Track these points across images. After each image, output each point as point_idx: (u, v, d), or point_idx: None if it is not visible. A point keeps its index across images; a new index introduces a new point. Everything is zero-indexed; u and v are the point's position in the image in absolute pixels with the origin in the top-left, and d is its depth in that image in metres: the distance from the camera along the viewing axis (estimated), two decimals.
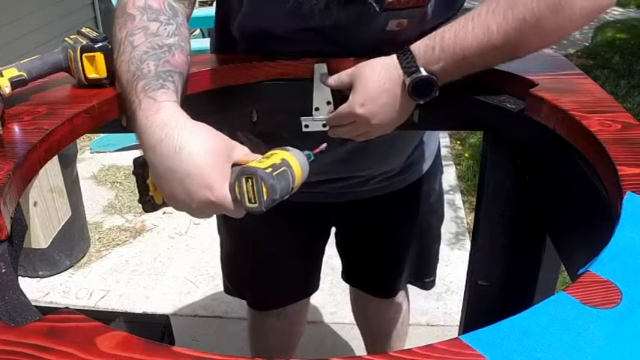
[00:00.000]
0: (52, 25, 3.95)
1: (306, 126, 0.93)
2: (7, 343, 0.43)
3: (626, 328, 0.42)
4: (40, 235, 0.87)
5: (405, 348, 0.42)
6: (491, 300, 1.11)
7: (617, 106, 0.76)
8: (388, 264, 1.33)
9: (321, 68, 0.91)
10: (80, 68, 0.85)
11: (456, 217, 2.66)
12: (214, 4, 1.06)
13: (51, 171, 0.91)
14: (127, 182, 3.01)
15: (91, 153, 3.33)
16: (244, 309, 1.57)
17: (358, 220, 1.27)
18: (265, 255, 1.29)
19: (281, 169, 0.67)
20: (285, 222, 1.15)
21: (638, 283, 0.46)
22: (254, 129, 1.00)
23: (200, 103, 0.86)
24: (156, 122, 0.66)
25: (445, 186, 2.88)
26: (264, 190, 0.64)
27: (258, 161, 0.67)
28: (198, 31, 4.28)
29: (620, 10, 6.41)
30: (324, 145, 0.79)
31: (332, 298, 2.14)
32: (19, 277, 0.55)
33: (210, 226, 2.58)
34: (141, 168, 0.70)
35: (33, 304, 0.49)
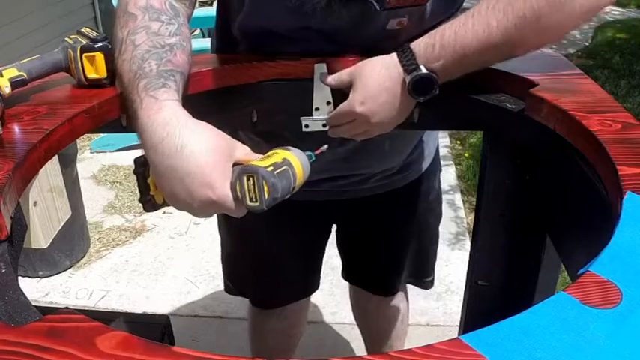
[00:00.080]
0: (52, 25, 3.95)
1: (306, 126, 0.93)
2: (7, 343, 0.43)
3: (626, 328, 0.42)
4: (40, 235, 0.87)
5: (405, 348, 0.42)
6: (491, 300, 1.11)
7: (617, 106, 0.76)
8: (388, 262, 1.34)
9: (320, 68, 0.91)
10: (80, 68, 0.85)
11: (456, 217, 2.66)
12: (214, 4, 1.06)
13: (51, 171, 0.91)
14: (127, 182, 3.01)
15: (91, 153, 3.33)
16: (244, 309, 1.58)
17: (359, 218, 1.27)
18: (266, 254, 1.29)
19: (282, 168, 0.67)
20: (287, 221, 1.15)
21: (638, 283, 0.46)
22: (254, 129, 1.00)
23: (200, 103, 0.86)
24: (157, 121, 0.66)
25: (445, 186, 2.89)
26: (266, 188, 0.64)
27: (259, 160, 0.68)
28: (198, 31, 4.28)
29: (620, 10, 6.41)
30: (325, 146, 0.79)
31: (332, 298, 2.14)
32: (19, 277, 0.55)
33: (210, 226, 2.58)
34: (142, 167, 0.70)
35: (33, 304, 0.49)
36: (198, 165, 0.63)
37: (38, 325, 0.45)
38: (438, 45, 0.78)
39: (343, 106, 0.85)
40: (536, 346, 0.41)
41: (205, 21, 3.52)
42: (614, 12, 6.22)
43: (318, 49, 0.93)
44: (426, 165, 1.21)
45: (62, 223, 0.95)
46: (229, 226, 1.30)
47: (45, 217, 0.88)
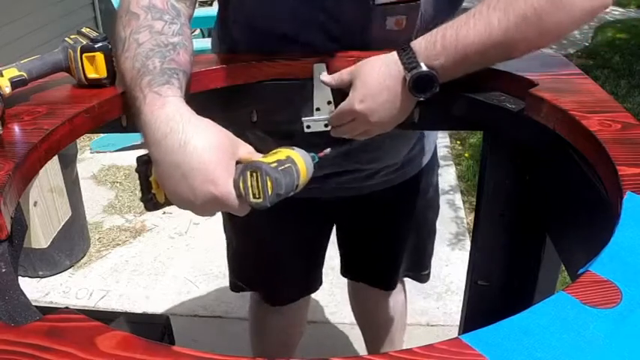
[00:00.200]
0: (52, 25, 3.95)
1: (308, 127, 0.93)
2: (7, 342, 0.43)
3: (625, 327, 0.42)
4: (40, 235, 0.86)
5: (405, 348, 0.42)
6: (491, 300, 1.11)
7: (617, 106, 0.76)
8: (388, 257, 1.35)
9: (320, 68, 0.91)
10: (80, 68, 0.85)
11: (456, 217, 2.66)
12: (214, 3, 1.06)
13: (51, 171, 0.91)
14: (127, 182, 3.01)
15: (91, 153, 3.33)
16: (244, 309, 1.58)
17: (360, 215, 1.28)
18: (270, 252, 1.29)
19: (286, 165, 0.67)
20: (290, 219, 1.16)
21: (638, 283, 0.46)
22: (254, 129, 1.00)
23: (200, 103, 0.86)
24: (161, 117, 0.66)
25: (445, 186, 2.89)
26: (269, 184, 0.64)
27: (262, 157, 0.68)
28: (198, 31, 4.28)
29: (620, 10, 6.41)
30: (328, 149, 0.80)
31: (332, 298, 2.14)
32: (19, 277, 0.56)
33: (210, 226, 2.59)
34: (144, 165, 0.70)
35: (33, 304, 0.49)
36: (202, 161, 0.63)
37: (38, 324, 0.45)
38: (439, 44, 0.79)
39: (343, 105, 0.86)
40: (537, 345, 0.41)
41: (205, 21, 3.52)
42: (614, 12, 6.22)
43: (321, 48, 0.93)
44: (425, 160, 1.22)
45: (62, 223, 0.94)
46: (234, 225, 1.30)
47: (45, 217, 0.88)
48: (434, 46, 0.79)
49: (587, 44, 5.22)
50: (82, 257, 2.44)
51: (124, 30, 0.77)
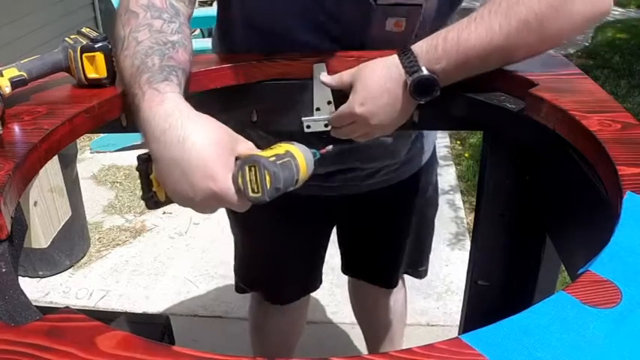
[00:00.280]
0: (52, 25, 3.95)
1: (308, 127, 0.93)
2: (8, 342, 0.43)
3: (625, 327, 0.42)
4: (40, 235, 0.86)
5: (405, 348, 0.42)
6: (491, 300, 1.11)
7: (617, 106, 0.76)
8: (387, 255, 1.35)
9: (320, 68, 0.91)
10: (80, 68, 0.85)
11: (456, 217, 2.66)
12: (214, 4, 1.06)
13: (51, 171, 0.91)
14: (127, 182, 3.01)
15: (91, 153, 3.33)
16: (244, 309, 1.58)
17: (360, 213, 1.28)
18: (273, 251, 1.30)
19: (285, 159, 0.67)
20: (292, 217, 1.17)
21: (637, 282, 0.46)
22: (254, 129, 1.00)
23: (200, 103, 0.86)
24: (159, 113, 0.66)
25: (445, 186, 2.89)
26: (268, 178, 0.64)
27: (261, 152, 0.68)
28: (198, 31, 4.28)
29: (620, 10, 6.41)
30: (331, 146, 0.80)
31: (332, 298, 2.14)
32: (19, 277, 0.55)
33: (210, 226, 2.59)
34: (144, 163, 0.70)
35: (33, 304, 0.49)
36: (200, 157, 0.63)
37: (38, 324, 0.45)
38: (441, 47, 0.79)
39: (343, 107, 0.86)
40: (536, 345, 0.41)
41: (205, 21, 3.52)
42: (614, 12, 6.22)
43: (319, 48, 0.93)
44: (424, 159, 1.22)
45: (62, 223, 0.94)
46: (238, 224, 1.31)
47: (45, 216, 0.88)
48: (435, 49, 0.79)
49: (587, 44, 5.23)
50: (82, 257, 2.44)
51: (124, 29, 0.77)
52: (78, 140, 0.90)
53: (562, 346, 0.41)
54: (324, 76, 0.90)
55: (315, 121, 0.93)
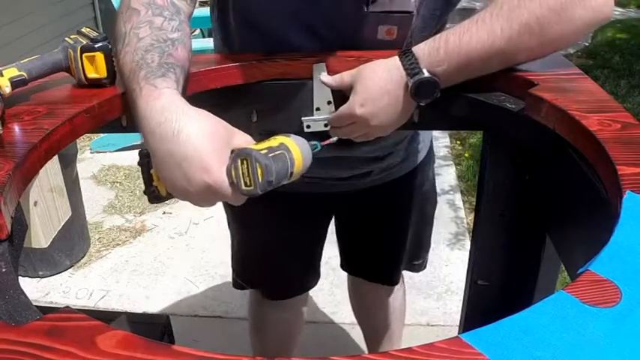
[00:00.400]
0: (52, 25, 3.95)
1: (308, 126, 0.93)
2: (8, 342, 0.43)
3: (625, 327, 0.42)
4: (41, 235, 0.86)
5: (405, 347, 0.42)
6: (491, 299, 1.11)
7: (617, 106, 0.76)
8: (386, 252, 1.36)
9: (320, 68, 0.91)
10: (80, 68, 0.85)
11: (456, 217, 2.66)
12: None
13: (51, 170, 0.91)
14: (127, 182, 3.01)
15: (91, 153, 3.33)
16: (244, 309, 1.58)
17: (358, 209, 1.29)
18: (271, 246, 1.31)
19: (278, 152, 0.67)
20: (290, 213, 1.19)
21: (637, 282, 0.46)
22: (254, 129, 1.00)
23: (200, 103, 0.86)
24: (156, 107, 0.67)
25: (445, 186, 2.89)
26: (259, 171, 0.64)
27: (254, 144, 0.68)
28: (198, 31, 4.28)
29: (620, 10, 6.41)
30: (334, 138, 0.79)
31: (332, 298, 2.14)
32: (19, 277, 0.55)
33: (210, 226, 2.59)
34: (145, 158, 0.71)
35: (33, 303, 0.49)
36: (195, 149, 0.63)
37: (39, 324, 0.45)
38: (442, 49, 0.79)
39: (343, 108, 0.86)
40: (536, 344, 0.41)
41: (205, 21, 3.51)
42: (614, 12, 6.21)
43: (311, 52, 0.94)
44: (421, 156, 1.23)
45: (62, 223, 0.94)
46: (235, 220, 1.32)
47: (45, 216, 0.88)
48: (437, 52, 0.79)
49: (587, 44, 5.22)
50: (82, 257, 2.44)
51: (125, 26, 0.78)
52: (78, 140, 0.90)
53: (562, 346, 0.41)
54: (324, 76, 0.90)
55: (315, 121, 0.93)
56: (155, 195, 0.73)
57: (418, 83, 0.79)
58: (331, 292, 2.15)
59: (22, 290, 0.50)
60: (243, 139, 0.68)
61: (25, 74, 0.81)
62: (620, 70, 4.45)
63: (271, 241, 1.29)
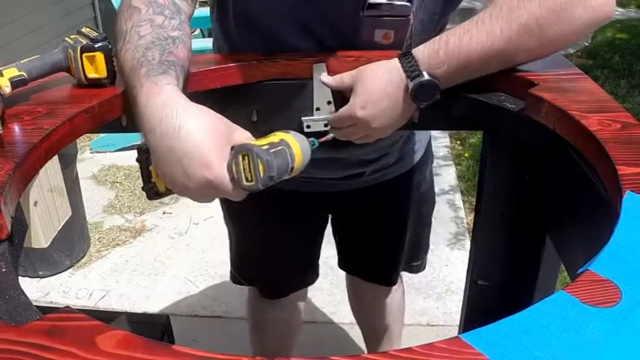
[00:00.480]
0: (52, 25, 3.95)
1: (308, 126, 0.93)
2: (8, 342, 0.43)
3: (625, 327, 0.42)
4: (41, 235, 0.86)
5: (405, 347, 0.42)
6: (491, 299, 1.11)
7: (617, 106, 0.76)
8: (382, 251, 1.36)
9: (320, 68, 0.91)
10: (80, 68, 0.85)
11: (456, 217, 2.66)
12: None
13: (51, 170, 0.91)
14: (127, 182, 3.01)
15: (91, 153, 3.33)
16: (244, 309, 1.58)
17: (354, 208, 1.30)
18: (267, 244, 1.31)
19: (279, 148, 0.67)
20: (286, 212, 1.19)
21: (637, 282, 0.46)
22: (254, 129, 1.00)
23: (200, 103, 0.86)
24: (156, 104, 0.67)
25: (445, 186, 2.89)
26: (261, 167, 0.64)
27: (255, 140, 0.68)
28: (198, 31, 4.28)
29: (620, 10, 6.41)
30: (331, 135, 0.80)
31: (332, 298, 2.14)
32: (19, 277, 0.55)
33: (210, 226, 2.59)
34: (144, 154, 0.71)
35: (33, 303, 0.49)
36: (196, 145, 0.63)
37: (39, 324, 0.45)
38: (442, 51, 0.79)
39: (344, 110, 0.86)
40: (536, 344, 0.41)
41: (205, 21, 3.51)
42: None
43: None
44: (418, 156, 1.23)
45: (62, 223, 0.94)
46: (231, 217, 1.32)
47: (45, 216, 0.88)
48: (437, 54, 0.79)
49: (587, 44, 5.22)
50: (82, 257, 2.44)
51: (126, 24, 0.79)
52: (78, 140, 0.90)
53: (562, 346, 0.41)
54: (324, 77, 0.91)
55: (315, 121, 0.93)
56: (154, 191, 0.73)
57: (418, 86, 0.79)
58: (330, 291, 2.15)
59: (22, 290, 0.50)
60: (243, 136, 0.68)
61: (25, 74, 0.81)
62: (620, 70, 4.45)
63: (266, 239, 1.30)
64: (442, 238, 2.49)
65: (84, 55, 0.84)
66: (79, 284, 2.30)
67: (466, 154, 3.19)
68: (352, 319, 1.69)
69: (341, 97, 0.89)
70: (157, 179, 0.72)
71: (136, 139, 3.11)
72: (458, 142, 3.37)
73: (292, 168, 0.69)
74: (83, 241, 2.44)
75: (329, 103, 0.92)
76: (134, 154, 0.72)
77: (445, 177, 2.97)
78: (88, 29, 0.87)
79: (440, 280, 2.25)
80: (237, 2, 0.96)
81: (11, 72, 0.80)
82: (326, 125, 0.92)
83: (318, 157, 0.78)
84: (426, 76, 0.79)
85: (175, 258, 2.45)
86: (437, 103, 0.81)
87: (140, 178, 0.74)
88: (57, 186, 0.92)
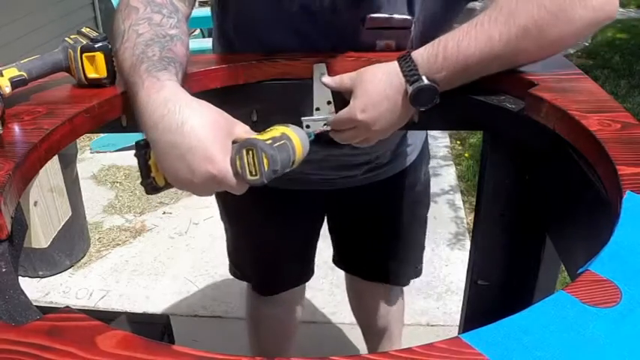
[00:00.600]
0: (52, 25, 3.95)
1: (308, 126, 0.93)
2: (8, 342, 0.43)
3: (625, 327, 0.42)
4: (41, 235, 0.86)
5: (405, 347, 0.42)
6: (491, 299, 1.11)
7: (617, 106, 0.76)
8: (376, 250, 1.36)
9: (320, 68, 0.91)
10: (80, 68, 0.85)
11: (456, 217, 2.66)
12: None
13: (51, 170, 0.91)
14: (127, 182, 3.01)
15: (91, 153, 3.33)
16: (244, 309, 1.58)
17: (348, 207, 1.30)
18: (262, 242, 1.32)
19: (281, 142, 0.68)
20: (281, 209, 1.20)
21: (637, 282, 0.46)
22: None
23: None
24: (158, 99, 0.67)
25: (445, 186, 2.89)
26: (265, 161, 0.65)
27: (258, 135, 0.69)
28: (198, 31, 4.28)
29: (620, 10, 6.34)
30: (328, 127, 0.81)
31: (332, 298, 2.14)
32: (19, 277, 0.55)
33: (210, 226, 2.59)
34: (143, 149, 0.71)
35: (33, 303, 0.49)
36: (199, 139, 0.64)
37: (39, 324, 0.45)
38: (441, 56, 0.79)
39: (344, 112, 0.86)
40: (536, 344, 0.41)
41: (205, 21, 3.51)
42: None
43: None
44: (413, 157, 1.24)
45: (62, 223, 0.94)
46: (228, 214, 1.33)
47: (45, 216, 0.88)
48: (436, 58, 0.79)
49: (587, 44, 5.22)
50: (82, 257, 2.44)
51: (124, 23, 0.79)
52: (78, 140, 0.90)
53: (562, 346, 0.41)
54: (325, 77, 0.91)
55: (315, 121, 0.93)
56: (152, 186, 0.74)
57: (417, 90, 0.79)
58: (331, 291, 2.15)
59: (22, 290, 0.50)
60: (243, 129, 0.69)
61: (25, 74, 0.81)
62: (620, 70, 4.45)
63: (261, 236, 1.31)
64: (442, 238, 2.49)
65: (84, 55, 0.84)
66: (79, 284, 2.30)
67: (466, 154, 3.19)
68: (352, 319, 1.69)
69: (341, 97, 0.89)
70: (157, 174, 0.72)
71: (135, 139, 3.10)
72: (458, 142, 3.37)
73: (293, 161, 0.70)
74: (83, 241, 2.44)
75: (329, 103, 0.92)
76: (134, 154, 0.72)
77: (445, 177, 2.97)
78: (88, 29, 0.87)
79: (440, 280, 2.25)
80: (237, 15, 0.97)
81: (11, 72, 0.80)
82: (325, 125, 0.92)
83: (311, 158, 0.78)
84: (425, 81, 0.79)
85: (175, 258, 2.45)
86: (437, 103, 0.81)
87: (139, 176, 0.75)
88: (57, 186, 0.92)
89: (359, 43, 0.92)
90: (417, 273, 1.44)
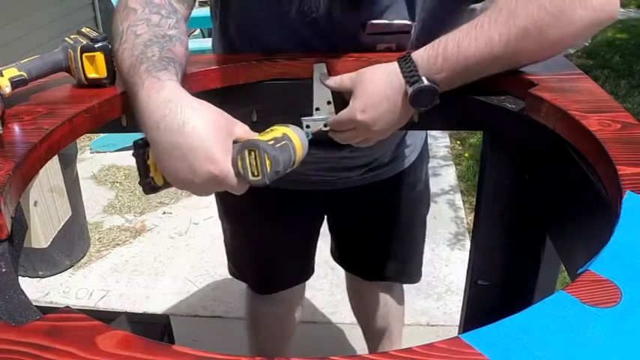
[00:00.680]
0: (52, 25, 3.95)
1: (307, 126, 0.93)
2: (8, 342, 0.43)
3: (625, 327, 0.42)
4: (41, 235, 0.86)
5: (405, 347, 0.42)
6: (491, 299, 1.11)
7: (617, 106, 0.76)
8: (376, 250, 1.36)
9: (320, 68, 0.91)
10: (80, 68, 0.85)
11: (456, 217, 2.66)
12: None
13: (51, 170, 0.91)
14: (127, 182, 3.01)
15: (91, 153, 3.33)
16: (244, 309, 1.58)
17: (348, 206, 1.30)
18: (261, 242, 1.32)
19: (283, 142, 0.68)
20: (280, 209, 1.20)
21: (637, 282, 0.46)
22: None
23: None
24: (159, 100, 0.67)
25: (445, 186, 2.89)
26: (268, 162, 0.65)
27: (259, 135, 0.69)
28: (198, 31, 4.28)
29: (621, 10, 6.36)
30: (323, 126, 0.82)
31: (332, 298, 2.14)
32: (19, 277, 0.55)
33: (210, 226, 2.59)
34: (141, 149, 0.71)
35: (33, 303, 0.49)
36: (201, 139, 0.64)
37: (39, 324, 0.45)
38: (441, 57, 0.79)
39: (344, 113, 0.86)
40: (536, 344, 0.41)
41: (205, 21, 3.51)
42: None
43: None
44: (413, 157, 1.24)
45: (62, 223, 0.94)
46: (227, 213, 1.33)
47: (45, 216, 0.88)
48: (435, 60, 0.79)
49: (587, 44, 5.21)
50: (82, 257, 2.44)
51: (122, 24, 0.79)
52: (78, 140, 0.90)
53: (562, 346, 0.41)
54: (325, 78, 0.91)
55: (315, 121, 0.93)
56: (151, 186, 0.74)
57: (417, 91, 0.79)
58: (331, 292, 2.15)
59: (22, 290, 0.50)
60: (243, 129, 0.70)
61: (25, 74, 0.81)
62: (620, 70, 4.45)
63: (259, 236, 1.31)
64: (442, 238, 2.49)
65: (84, 55, 0.84)
66: (79, 284, 2.30)
67: (466, 154, 3.19)
68: (352, 319, 1.69)
69: (341, 97, 0.89)
70: (155, 173, 0.72)
71: (135, 139, 3.10)
72: (458, 142, 3.37)
73: (294, 161, 0.71)
74: (83, 241, 2.44)
75: (329, 103, 0.92)
76: None
77: (445, 177, 2.97)
78: (88, 29, 0.87)
79: (440, 280, 2.25)
80: (237, 15, 0.96)
81: (11, 72, 0.80)
82: (325, 125, 0.92)
83: (309, 160, 0.78)
84: (425, 82, 0.79)
85: (175, 258, 2.45)
86: (436, 104, 0.81)
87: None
88: (57, 186, 0.92)
89: (359, 47, 0.93)
90: (418, 273, 1.43)
